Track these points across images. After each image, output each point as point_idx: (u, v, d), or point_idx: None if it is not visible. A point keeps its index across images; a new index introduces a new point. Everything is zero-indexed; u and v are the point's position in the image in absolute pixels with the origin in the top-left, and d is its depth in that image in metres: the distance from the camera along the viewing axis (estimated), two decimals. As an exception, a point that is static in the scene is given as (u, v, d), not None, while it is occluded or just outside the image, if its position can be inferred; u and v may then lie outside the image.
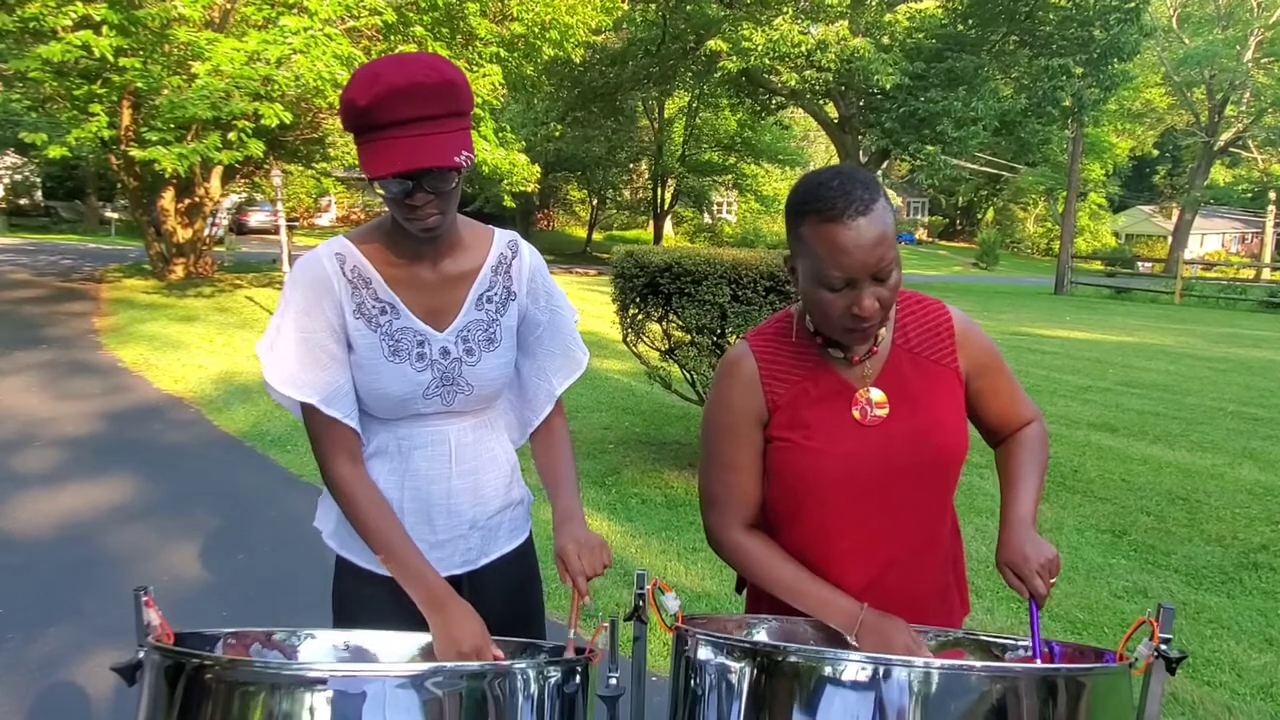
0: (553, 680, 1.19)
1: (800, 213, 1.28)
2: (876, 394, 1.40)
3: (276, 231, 16.97)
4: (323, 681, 1.05)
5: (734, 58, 19.38)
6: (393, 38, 12.19)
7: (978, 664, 1.15)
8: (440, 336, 1.48)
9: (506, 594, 1.63)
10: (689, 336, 4.78)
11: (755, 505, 1.46)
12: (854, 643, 1.32)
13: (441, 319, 1.49)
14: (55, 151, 10.09)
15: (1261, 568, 4.22)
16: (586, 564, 1.43)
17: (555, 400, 1.64)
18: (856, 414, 1.39)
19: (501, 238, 1.57)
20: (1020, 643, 1.42)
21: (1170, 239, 35.08)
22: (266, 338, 1.43)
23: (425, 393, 1.48)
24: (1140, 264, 32.62)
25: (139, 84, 10.12)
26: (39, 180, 31.91)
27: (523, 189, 14.22)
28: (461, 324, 1.50)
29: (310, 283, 1.42)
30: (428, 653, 1.45)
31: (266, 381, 1.42)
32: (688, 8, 20.47)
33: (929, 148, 19.32)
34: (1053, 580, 1.36)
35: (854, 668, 1.12)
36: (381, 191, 1.34)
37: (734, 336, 4.70)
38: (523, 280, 1.56)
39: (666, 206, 32.74)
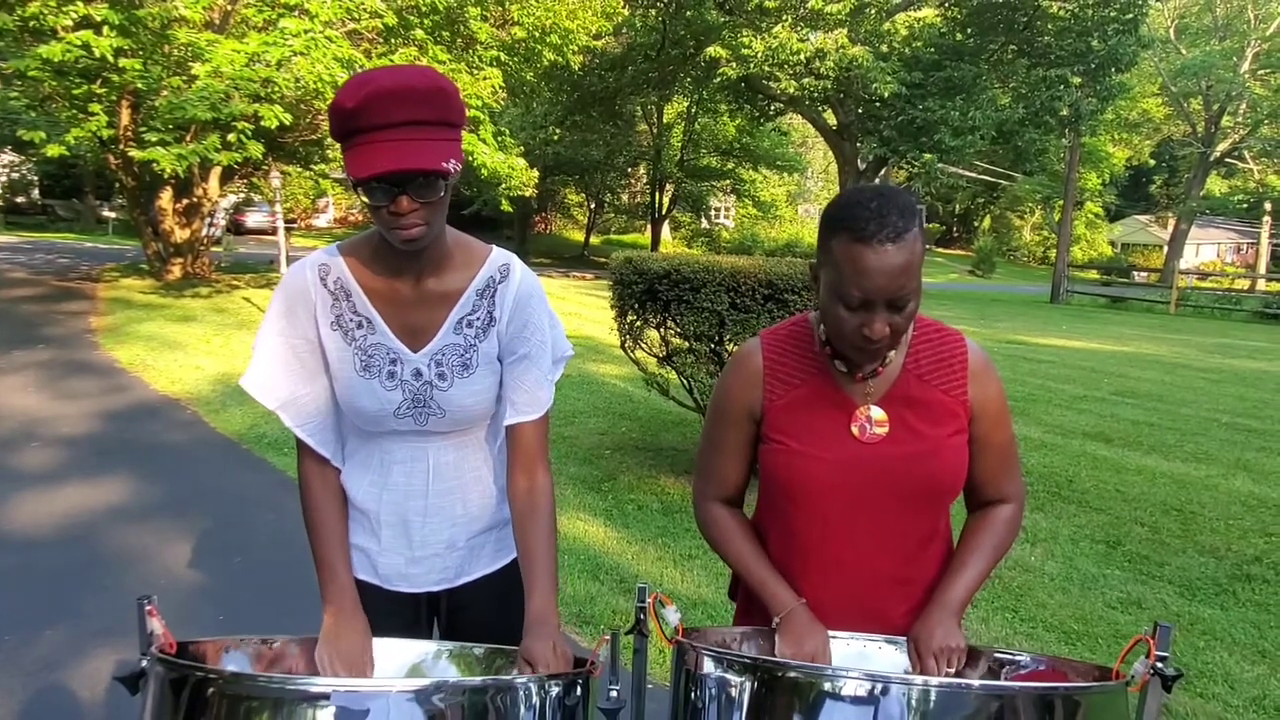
0: (554, 693, 1.20)
1: (833, 226, 1.30)
2: (878, 413, 1.42)
3: (274, 232, 16.96)
4: (326, 697, 1.06)
5: (733, 64, 19.41)
6: (393, 40, 12.19)
7: (975, 682, 1.16)
8: (414, 357, 1.46)
9: (488, 614, 1.60)
10: (687, 343, 4.80)
11: (734, 488, 1.56)
12: (774, 628, 1.42)
13: (419, 339, 1.46)
14: (54, 150, 10.07)
15: (1255, 579, 4.24)
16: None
17: (501, 431, 1.54)
18: (855, 430, 1.41)
19: (495, 260, 1.49)
20: (1016, 656, 1.44)
21: (1166, 249, 35.12)
22: (255, 339, 1.50)
23: (397, 412, 1.47)
24: (1136, 273, 32.66)
25: (139, 84, 10.11)
26: (36, 178, 31.81)
27: (521, 193, 14.22)
28: (437, 347, 1.46)
29: (290, 293, 1.45)
30: (423, 659, 1.46)
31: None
32: (687, 14, 20.51)
33: (926, 156, 19.36)
34: (949, 670, 1.35)
35: (853, 684, 1.13)
36: (366, 199, 1.30)
37: (732, 344, 4.71)
38: (506, 307, 1.48)
39: (664, 211, 32.73)
